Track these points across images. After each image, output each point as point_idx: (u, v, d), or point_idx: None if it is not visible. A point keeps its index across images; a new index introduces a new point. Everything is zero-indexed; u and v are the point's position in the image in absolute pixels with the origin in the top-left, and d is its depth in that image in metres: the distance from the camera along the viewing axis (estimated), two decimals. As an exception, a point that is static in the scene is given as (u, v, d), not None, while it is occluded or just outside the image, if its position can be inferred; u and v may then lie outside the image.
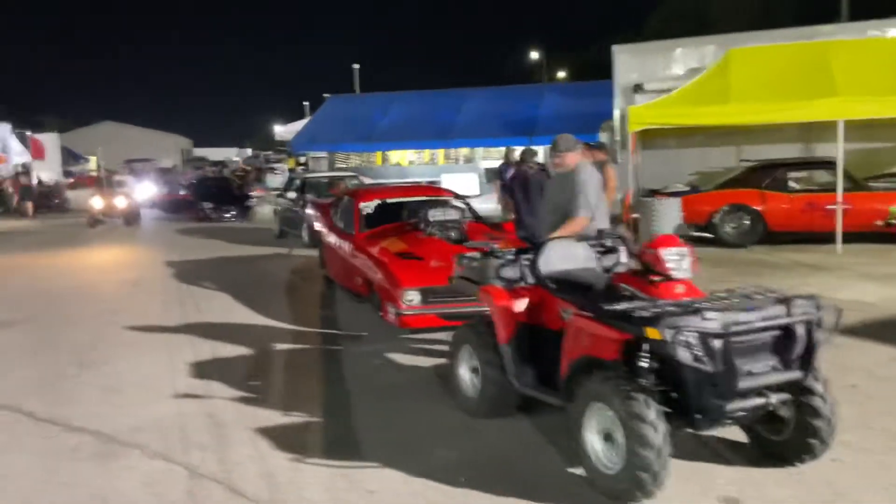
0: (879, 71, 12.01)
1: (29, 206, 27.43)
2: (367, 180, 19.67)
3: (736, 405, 3.77)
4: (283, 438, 5.03)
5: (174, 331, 8.25)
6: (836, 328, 3.94)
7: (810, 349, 3.84)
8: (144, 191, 28.45)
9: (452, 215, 8.48)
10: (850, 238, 11.74)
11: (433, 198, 9.73)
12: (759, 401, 3.84)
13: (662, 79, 14.50)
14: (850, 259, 10.99)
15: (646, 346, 3.79)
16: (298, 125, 32.18)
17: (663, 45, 15.49)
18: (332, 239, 9.87)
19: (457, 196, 10.04)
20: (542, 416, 5.15)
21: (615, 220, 8.26)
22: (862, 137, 13.02)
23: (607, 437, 3.95)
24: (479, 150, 27.34)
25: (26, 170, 31.86)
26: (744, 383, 3.68)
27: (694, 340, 3.62)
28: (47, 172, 35.84)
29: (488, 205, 16.89)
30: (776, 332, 3.83)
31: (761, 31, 14.73)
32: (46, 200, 29.62)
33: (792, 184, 12.80)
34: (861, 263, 10.65)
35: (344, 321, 8.45)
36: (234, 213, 22.85)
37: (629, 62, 15.00)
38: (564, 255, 5.12)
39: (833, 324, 3.95)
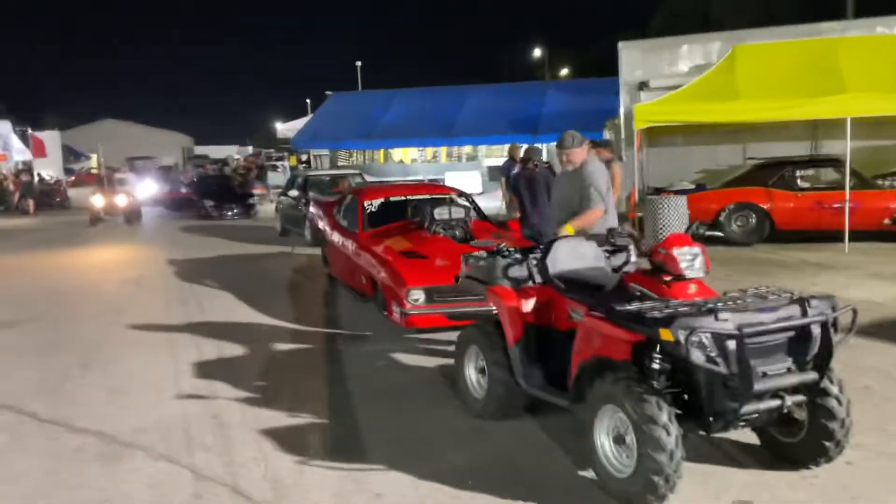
0: (887, 68, 11.94)
1: (30, 203, 27.42)
2: (370, 178, 19.63)
3: (751, 407, 3.70)
4: (288, 440, 4.97)
5: (177, 330, 8.19)
6: (852, 329, 3.87)
7: (826, 350, 3.77)
8: (145, 189, 28.39)
9: (458, 214, 8.41)
10: (857, 236, 11.67)
11: (438, 196, 9.66)
12: (774, 403, 3.77)
13: (668, 76, 14.44)
14: (858, 258, 10.91)
15: (658, 348, 3.73)
16: (300, 122, 32.13)
17: (669, 42, 15.41)
18: (335, 237, 9.80)
19: (461, 194, 9.97)
20: (548, 417, 5.08)
21: (621, 218, 8.19)
22: (869, 135, 12.94)
23: (618, 440, 3.88)
24: (482, 148, 27.30)
25: (27, 167, 31.86)
26: (759, 385, 3.60)
27: (708, 341, 3.55)
28: (48, 170, 35.81)
29: (491, 203, 16.87)
30: (791, 333, 3.76)
31: (767, 28, 14.69)
32: (47, 198, 29.62)
33: (799, 182, 12.71)
34: (869, 262, 10.58)
35: (347, 320, 8.38)
36: (235, 211, 22.77)
37: (635, 59, 14.93)
38: (573, 255, 5.05)
39: (849, 324, 3.88)
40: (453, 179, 22.90)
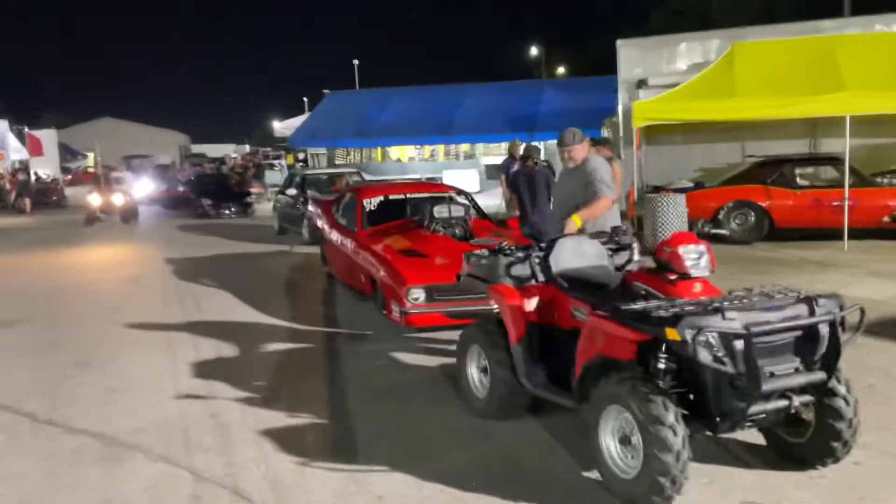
0: (886, 65, 11.91)
1: (27, 202, 27.33)
2: (368, 176, 19.58)
3: (758, 408, 3.66)
4: (288, 440, 4.92)
5: (176, 329, 8.14)
6: (860, 328, 3.83)
7: (834, 350, 3.73)
8: (142, 187, 28.31)
9: (457, 212, 8.36)
10: (856, 234, 11.64)
11: (437, 194, 9.61)
12: (781, 403, 3.73)
13: (666, 74, 14.40)
14: (858, 256, 10.89)
15: (664, 347, 3.69)
16: (297, 121, 32.11)
17: (667, 40, 15.37)
18: (334, 236, 9.75)
19: (461, 192, 9.92)
20: (551, 417, 5.04)
21: (620, 216, 8.16)
22: (868, 133, 12.94)
23: (624, 440, 3.84)
24: (480, 147, 27.28)
25: (24, 166, 31.77)
26: (767, 385, 3.56)
27: (715, 341, 3.51)
28: (45, 169, 35.71)
29: (489, 201, 16.83)
30: (799, 333, 3.72)
31: (766, 26, 14.67)
32: (44, 197, 29.53)
33: (798, 180, 12.70)
34: (869, 260, 10.55)
35: (347, 320, 8.33)
36: (233, 209, 22.71)
37: (633, 57, 14.89)
38: (576, 253, 5.01)
39: (857, 323, 3.84)
40: (451, 178, 22.87)
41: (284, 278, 11.32)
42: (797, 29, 14.04)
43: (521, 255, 5.10)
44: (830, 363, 3.75)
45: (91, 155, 52.44)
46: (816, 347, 3.73)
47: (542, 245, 5.18)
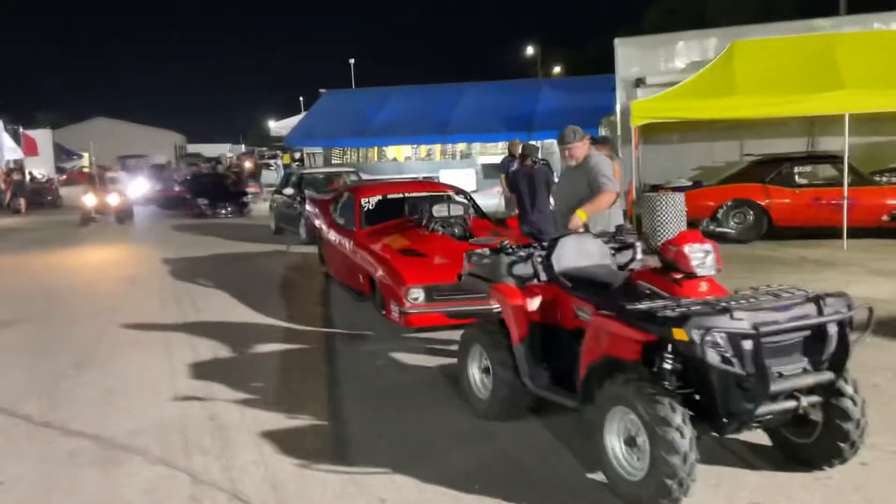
0: (885, 63, 11.87)
1: (21, 202, 27.20)
2: (365, 176, 19.52)
3: (766, 408, 3.61)
4: (288, 442, 4.86)
5: (173, 330, 8.07)
6: (868, 327, 3.78)
7: (843, 350, 3.68)
8: (138, 187, 28.20)
9: (457, 211, 8.30)
10: (854, 233, 11.61)
11: (435, 193, 9.56)
12: (789, 404, 3.68)
13: (664, 72, 14.33)
14: (857, 254, 10.86)
15: (670, 347, 3.64)
16: (293, 121, 32.00)
17: (665, 39, 15.31)
18: (332, 236, 9.69)
19: (459, 191, 9.86)
20: (553, 417, 4.99)
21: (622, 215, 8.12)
22: (866, 131, 12.93)
23: (629, 442, 3.79)
24: (476, 146, 27.22)
25: (19, 166, 31.64)
26: (775, 386, 3.51)
27: (723, 341, 3.46)
28: (40, 169, 35.58)
29: (486, 200, 16.77)
30: (807, 333, 3.68)
31: (765, 24, 14.64)
32: (39, 197, 29.43)
33: (797, 178, 12.68)
34: (869, 259, 10.52)
35: (345, 320, 8.27)
36: (229, 209, 22.62)
37: (631, 56, 14.82)
38: (578, 252, 4.96)
39: (865, 323, 3.79)
40: (447, 177, 22.82)
41: (282, 278, 11.26)
42: (796, 27, 14.00)
43: (523, 254, 5.05)
44: (839, 363, 3.70)
45: (86, 155, 52.26)
46: (825, 347, 3.68)
47: (545, 244, 5.14)
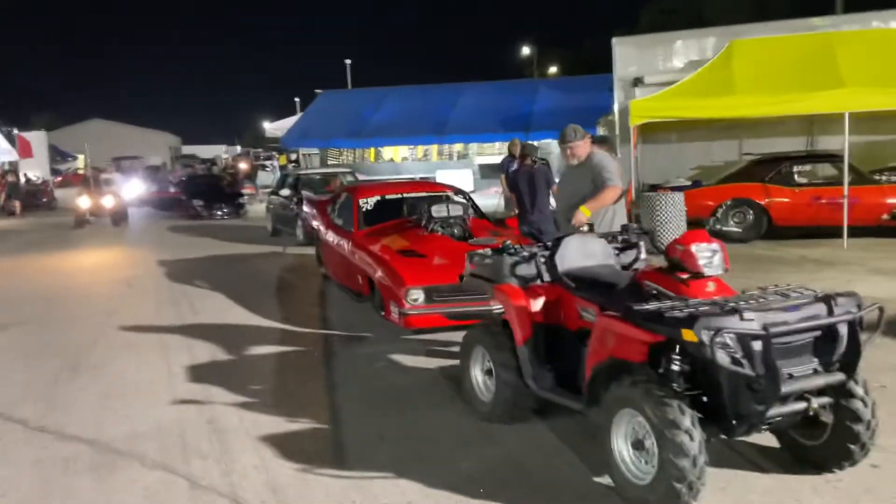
0: (884, 62, 11.84)
1: (16, 204, 27.07)
2: (362, 177, 19.45)
3: (776, 410, 3.55)
4: (288, 446, 4.79)
5: (170, 332, 7.99)
6: (879, 327, 3.72)
7: (854, 350, 3.62)
8: (132, 189, 28.07)
9: (456, 211, 8.23)
10: (854, 232, 11.57)
11: (434, 193, 9.49)
12: (799, 406, 3.62)
13: (663, 72, 14.28)
14: (858, 253, 10.81)
15: (677, 349, 3.58)
16: (289, 122, 31.89)
17: (663, 38, 15.26)
18: (330, 237, 9.61)
19: (458, 192, 9.80)
20: (558, 419, 4.92)
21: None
22: (865, 130, 12.89)
23: (637, 445, 3.72)
24: (474, 146, 27.13)
25: (13, 168, 31.49)
26: (786, 387, 3.45)
27: (732, 342, 3.40)
28: (35, 171, 35.42)
29: (483, 201, 16.69)
30: (817, 333, 3.61)
31: (763, 23, 14.58)
32: (34, 199, 29.26)
33: (796, 177, 12.64)
34: (869, 258, 10.48)
35: (344, 321, 8.19)
36: (225, 210, 22.53)
37: (629, 55, 14.76)
38: (581, 252, 4.89)
39: (875, 323, 3.73)
40: (444, 178, 22.73)
41: (279, 280, 11.19)
42: (794, 26, 13.96)
43: (526, 254, 4.98)
44: (850, 364, 3.64)
45: (81, 157, 52.08)
46: (835, 348, 3.62)
47: (546, 244, 5.07)
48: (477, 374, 5.14)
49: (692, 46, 14.65)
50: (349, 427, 5.14)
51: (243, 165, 36.84)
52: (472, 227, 8.30)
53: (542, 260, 4.89)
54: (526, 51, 53.68)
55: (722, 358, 3.35)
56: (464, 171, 25.96)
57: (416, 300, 6.96)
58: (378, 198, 9.37)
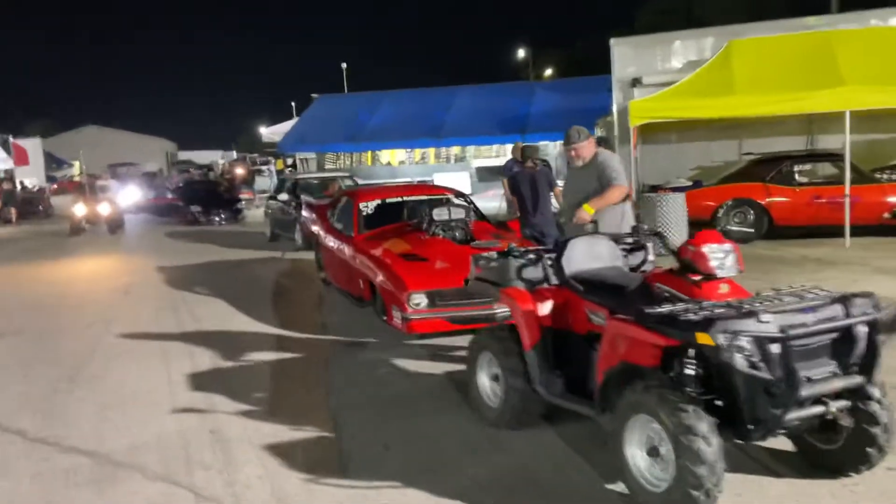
0: (884, 60, 11.79)
1: (12, 212, 26.96)
2: (359, 181, 19.36)
3: (794, 414, 3.47)
4: (293, 456, 4.70)
5: (170, 340, 7.90)
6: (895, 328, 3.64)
7: (872, 352, 3.55)
8: (129, 196, 27.97)
9: (458, 214, 8.16)
10: (855, 231, 11.50)
11: (435, 196, 9.41)
12: (817, 409, 3.53)
13: (661, 72, 14.21)
14: (860, 253, 10.75)
15: (692, 353, 3.49)
16: (285, 126, 31.84)
17: (661, 38, 15.20)
18: (330, 241, 9.52)
19: (459, 194, 9.71)
20: (567, 425, 4.84)
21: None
22: (865, 129, 12.80)
23: (652, 452, 3.64)
24: (471, 149, 27.07)
25: (9, 176, 31.38)
26: (804, 391, 3.37)
27: (749, 345, 3.32)
28: (30, 178, 35.29)
29: (482, 204, 16.61)
30: (834, 335, 3.54)
31: (761, 23, 14.52)
32: (30, 206, 29.18)
33: (797, 177, 12.58)
34: (872, 257, 10.41)
35: (345, 327, 8.10)
36: (223, 216, 22.45)
37: (627, 56, 14.69)
38: (589, 254, 4.82)
39: (892, 324, 3.65)
40: (442, 181, 22.65)
41: (279, 285, 11.10)
42: (793, 25, 13.90)
43: (532, 256, 4.90)
44: (868, 366, 3.56)
45: (76, 164, 51.91)
46: (853, 350, 3.55)
47: (549, 246, 5.00)
48: (484, 380, 5.06)
49: (690, 47, 14.59)
50: (354, 435, 5.06)
51: (240, 170, 36.78)
52: (474, 231, 8.21)
53: (549, 262, 4.81)
54: (521, 53, 53.69)
55: (739, 362, 3.27)
56: (461, 173, 25.87)
57: (418, 304, 6.88)
58: (378, 201, 9.29)
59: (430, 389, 5.93)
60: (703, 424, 3.37)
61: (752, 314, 3.32)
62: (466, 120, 23.40)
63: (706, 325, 3.30)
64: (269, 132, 37.67)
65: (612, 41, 14.88)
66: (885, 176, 12.56)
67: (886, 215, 11.91)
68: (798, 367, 3.37)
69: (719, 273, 3.88)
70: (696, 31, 15.40)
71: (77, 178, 44.13)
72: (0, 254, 17.34)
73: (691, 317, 3.41)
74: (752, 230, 12.39)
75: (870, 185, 11.99)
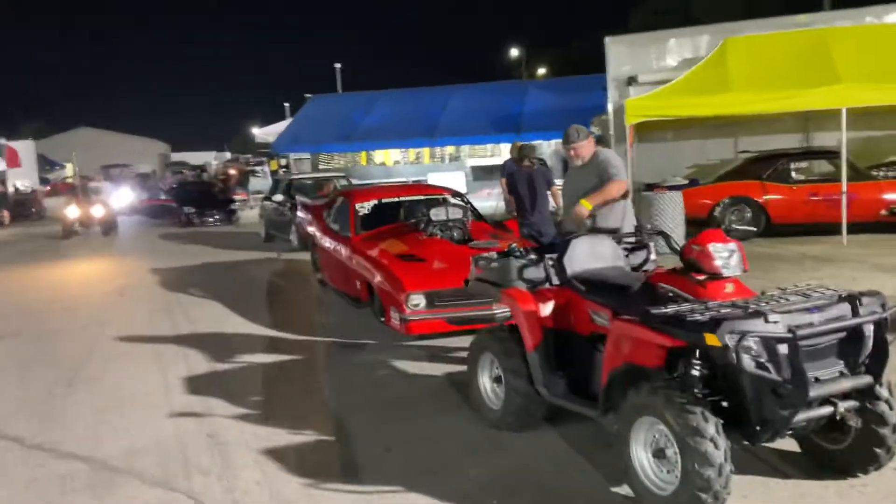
0: (880, 57, 11.77)
1: (5, 215, 26.79)
2: (354, 181, 19.29)
3: (802, 415, 3.42)
4: (292, 460, 4.64)
5: (165, 342, 7.82)
6: None
7: (881, 352, 3.50)
8: (122, 197, 27.83)
9: (455, 214, 8.10)
10: (852, 228, 11.49)
11: (432, 196, 9.34)
12: (826, 410, 3.49)
13: (656, 70, 14.15)
14: (858, 250, 10.73)
15: (698, 353, 3.45)
16: (278, 127, 31.72)
17: (656, 36, 15.14)
18: (326, 242, 9.45)
19: (456, 194, 9.65)
20: (569, 426, 4.80)
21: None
22: (860, 126, 12.80)
23: (658, 454, 3.59)
24: (465, 148, 26.98)
25: (2, 178, 31.20)
26: (812, 392, 3.33)
27: (756, 346, 3.27)
28: (23, 180, 35.10)
29: (477, 203, 16.55)
30: (842, 335, 3.49)
31: (756, 20, 14.46)
32: (23, 209, 28.99)
33: (794, 174, 12.56)
34: (869, 254, 10.40)
35: (343, 328, 8.05)
36: (217, 217, 22.35)
37: (622, 54, 14.64)
38: (590, 254, 4.77)
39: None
40: (436, 180, 22.58)
41: (275, 286, 11.04)
42: (788, 23, 13.88)
43: (533, 257, 4.85)
44: (877, 366, 3.52)
45: (69, 165, 51.66)
46: (861, 349, 3.51)
47: (548, 246, 4.95)
48: (485, 382, 5.01)
49: (686, 45, 14.53)
50: (354, 438, 5.00)
51: (232, 171, 36.65)
52: (472, 230, 8.16)
53: (551, 262, 4.76)
54: (515, 52, 53.60)
55: (747, 363, 3.22)
56: (455, 173, 25.78)
57: (416, 305, 6.82)
58: (375, 202, 9.22)
59: (430, 391, 5.88)
60: (711, 426, 3.32)
61: (759, 314, 3.28)
62: (460, 119, 23.30)
63: (714, 325, 3.25)
64: (262, 132, 37.54)
65: (607, 39, 14.82)
66: (881, 173, 12.54)
67: (883, 212, 11.91)
68: (806, 368, 3.32)
69: (724, 272, 3.84)
70: (691, 28, 15.35)
71: (70, 180, 43.89)
72: (-7, 256, 17.22)
73: (698, 317, 3.36)
74: (755, 228, 12.36)
75: (866, 182, 11.98)
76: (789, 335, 3.24)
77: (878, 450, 3.71)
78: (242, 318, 8.74)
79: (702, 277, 3.90)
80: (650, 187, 12.69)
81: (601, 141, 11.13)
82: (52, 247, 18.49)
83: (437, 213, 8.05)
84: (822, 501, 3.74)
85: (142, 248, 17.50)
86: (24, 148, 37.71)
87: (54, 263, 15.33)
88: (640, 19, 40.06)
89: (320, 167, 26.26)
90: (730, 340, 3.19)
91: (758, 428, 3.46)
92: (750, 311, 3.34)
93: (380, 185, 14.67)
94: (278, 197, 16.17)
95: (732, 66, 12.39)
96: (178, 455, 4.83)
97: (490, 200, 16.68)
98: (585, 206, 5.67)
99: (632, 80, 14.28)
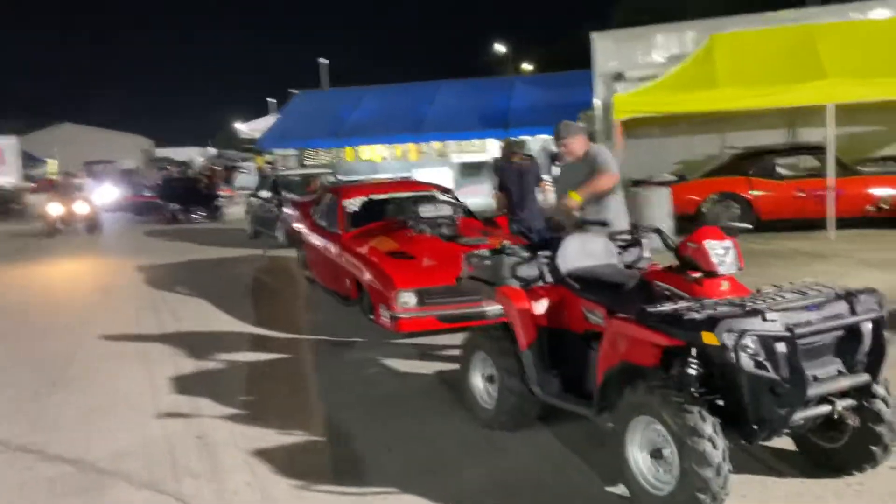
0: (865, 53, 11.84)
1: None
2: (342, 177, 19.20)
3: (800, 414, 3.40)
4: (282, 461, 4.57)
5: (152, 341, 7.73)
6: None
7: (879, 350, 3.49)
8: (105, 194, 27.57)
9: (445, 211, 8.05)
10: (839, 223, 11.54)
11: (421, 193, 9.29)
12: (824, 409, 3.47)
13: (643, 66, 14.22)
14: (845, 245, 10.78)
15: (695, 352, 3.42)
16: (262, 122, 31.57)
17: (642, 32, 15.19)
18: (314, 239, 9.38)
19: (445, 191, 9.60)
20: (563, 426, 4.76)
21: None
22: (846, 121, 12.82)
23: (655, 454, 3.56)
24: (452, 144, 26.93)
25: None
26: (811, 391, 3.30)
27: (754, 345, 3.24)
28: (7, 177, 34.74)
29: (465, 200, 16.49)
30: (840, 333, 3.47)
31: (743, 16, 14.51)
32: (6, 207, 28.70)
33: (780, 170, 12.60)
34: (857, 250, 10.44)
35: (332, 326, 7.98)
36: (203, 213, 22.21)
37: (608, 50, 14.68)
38: (583, 251, 4.73)
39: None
40: (422, 177, 22.50)
41: (262, 283, 10.96)
42: (774, 18, 13.93)
43: (526, 254, 4.81)
44: (875, 364, 3.50)
45: (51, 161, 51.21)
46: (858, 347, 3.49)
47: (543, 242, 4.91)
48: (478, 381, 4.96)
49: (672, 40, 14.59)
50: (346, 438, 4.94)
51: (219, 168, 36.46)
52: (462, 227, 8.11)
53: (545, 260, 4.72)
54: (501, 48, 53.52)
55: (745, 362, 3.20)
56: (441, 169, 25.71)
57: (406, 303, 6.77)
58: (364, 198, 9.15)
59: (421, 389, 5.84)
60: (708, 425, 3.29)
61: (757, 313, 3.25)
62: (447, 115, 23.24)
63: (711, 324, 3.22)
64: (247, 128, 37.29)
65: (594, 35, 14.85)
66: (868, 168, 12.59)
67: (870, 207, 11.96)
68: (804, 366, 3.30)
69: (720, 270, 3.81)
70: (677, 24, 15.40)
71: (53, 177, 43.47)
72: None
73: (695, 316, 3.33)
74: (751, 225, 12.37)
75: (853, 177, 12.02)
76: (787, 334, 3.22)
77: (874, 448, 3.69)
78: (230, 316, 8.67)
79: (697, 275, 3.88)
80: (637, 183, 12.68)
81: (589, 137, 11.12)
82: (35, 245, 18.26)
83: (426, 210, 8.00)
84: (819, 500, 3.72)
85: (127, 245, 17.35)
86: (8, 145, 37.35)
87: (38, 262, 15.12)
88: (620, 18, 40.05)
89: (306, 163, 26.14)
90: (728, 339, 3.17)
91: (755, 427, 3.43)
92: (747, 309, 3.32)
93: (368, 181, 14.61)
94: (265, 193, 16.07)
95: (719, 62, 12.44)
96: (167, 456, 4.76)
97: (478, 197, 16.62)
98: (575, 199, 5.63)
99: (620, 76, 14.30)
